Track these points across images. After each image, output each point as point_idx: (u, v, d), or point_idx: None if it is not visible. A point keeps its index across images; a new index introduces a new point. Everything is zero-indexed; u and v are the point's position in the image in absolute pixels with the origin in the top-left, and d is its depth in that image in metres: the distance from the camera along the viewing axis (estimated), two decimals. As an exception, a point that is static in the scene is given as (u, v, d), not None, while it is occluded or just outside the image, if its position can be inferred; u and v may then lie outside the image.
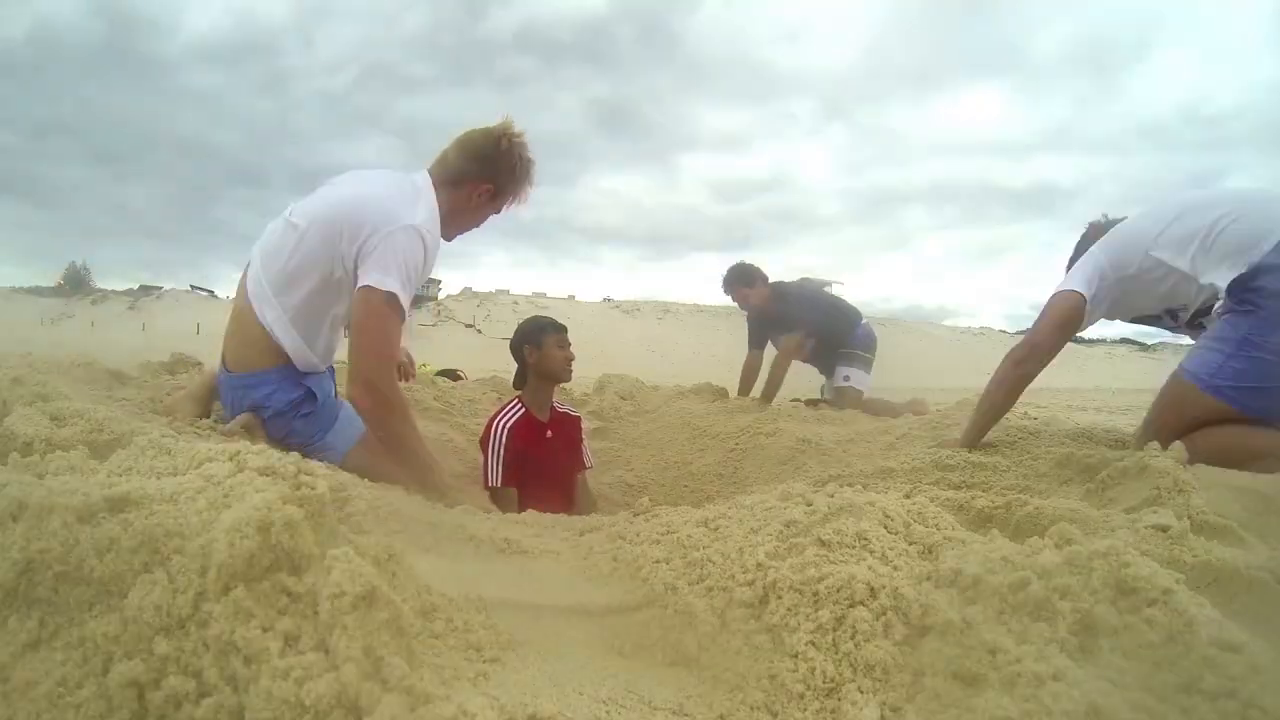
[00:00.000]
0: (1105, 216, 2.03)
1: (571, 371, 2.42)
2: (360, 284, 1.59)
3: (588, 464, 2.49)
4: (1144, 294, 1.80)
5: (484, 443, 2.28)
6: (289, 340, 1.74)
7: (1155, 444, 1.35)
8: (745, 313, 4.09)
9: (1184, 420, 1.58)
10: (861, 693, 0.65)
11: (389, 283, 1.57)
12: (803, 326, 3.81)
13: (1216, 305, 1.61)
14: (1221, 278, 1.58)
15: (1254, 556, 0.95)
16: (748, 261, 4.02)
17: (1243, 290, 1.52)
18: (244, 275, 1.86)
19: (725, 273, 3.99)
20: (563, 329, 2.42)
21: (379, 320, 1.58)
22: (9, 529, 0.59)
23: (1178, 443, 1.34)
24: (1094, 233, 1.98)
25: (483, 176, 1.85)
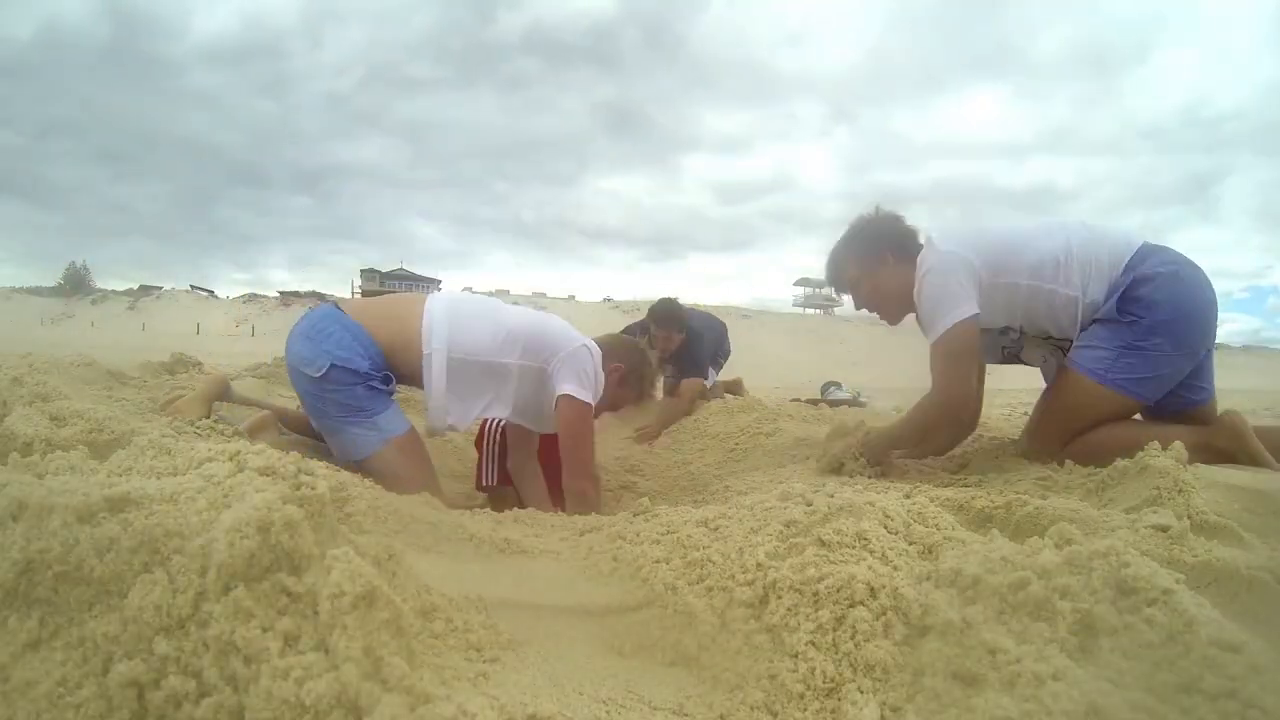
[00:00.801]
0: (878, 209, 2.09)
1: None
2: (561, 392, 1.88)
3: None
4: (998, 307, 1.86)
5: (479, 442, 2.28)
6: (438, 378, 1.84)
7: (1155, 444, 1.35)
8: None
9: (1086, 412, 1.77)
10: (861, 693, 0.65)
11: (584, 395, 1.90)
12: (705, 366, 3.87)
13: (1079, 318, 1.80)
14: (1098, 293, 1.78)
15: (1254, 556, 0.95)
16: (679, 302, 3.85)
17: (1124, 302, 1.74)
18: (418, 298, 1.95)
19: (664, 308, 3.74)
20: None
21: (585, 424, 1.93)
22: (9, 529, 0.59)
23: (1178, 443, 1.34)
24: (873, 227, 2.03)
25: (617, 359, 2.11)
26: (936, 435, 2.00)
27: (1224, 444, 1.67)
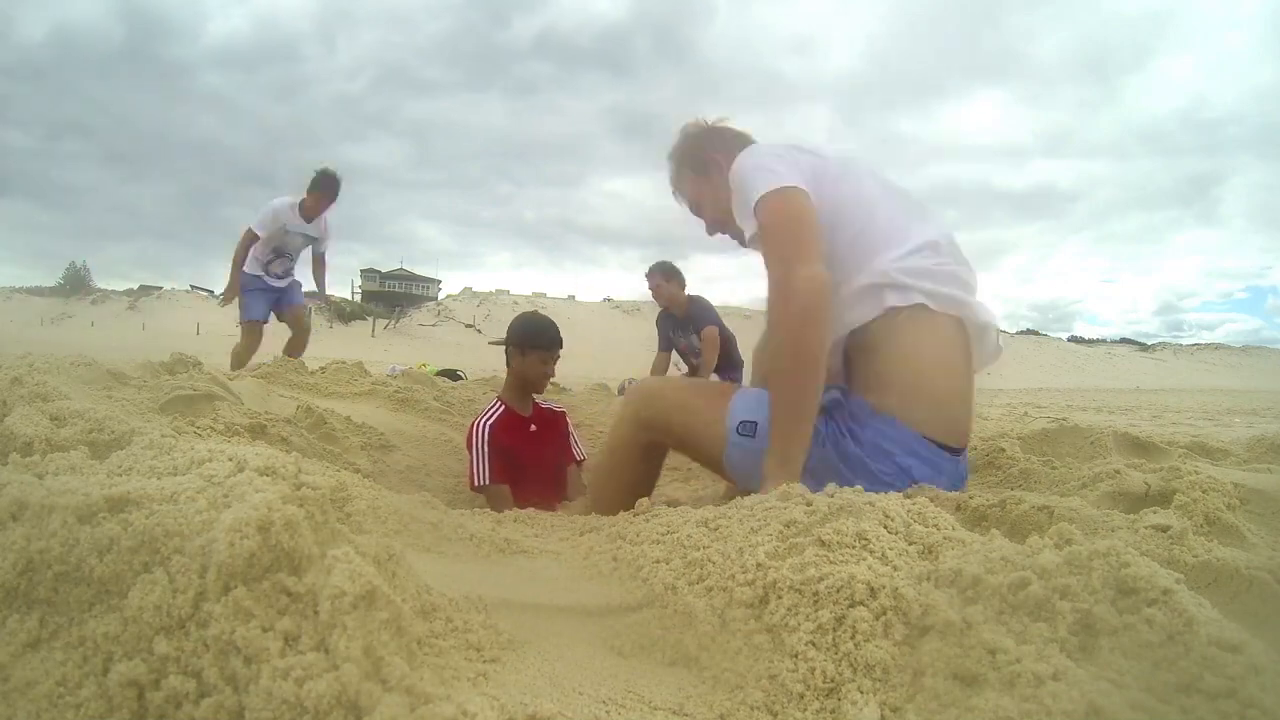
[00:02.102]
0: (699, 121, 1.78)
1: (545, 386, 2.49)
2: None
3: (579, 457, 2.49)
4: None
5: (468, 444, 2.28)
6: None
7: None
8: (656, 313, 4.79)
9: None
10: (861, 693, 0.65)
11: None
12: (719, 326, 4.52)
13: None
14: None
15: (1254, 556, 0.95)
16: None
17: None
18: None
19: (655, 263, 4.55)
20: (553, 349, 2.34)
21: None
22: (9, 529, 0.59)
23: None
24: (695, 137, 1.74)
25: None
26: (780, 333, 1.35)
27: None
